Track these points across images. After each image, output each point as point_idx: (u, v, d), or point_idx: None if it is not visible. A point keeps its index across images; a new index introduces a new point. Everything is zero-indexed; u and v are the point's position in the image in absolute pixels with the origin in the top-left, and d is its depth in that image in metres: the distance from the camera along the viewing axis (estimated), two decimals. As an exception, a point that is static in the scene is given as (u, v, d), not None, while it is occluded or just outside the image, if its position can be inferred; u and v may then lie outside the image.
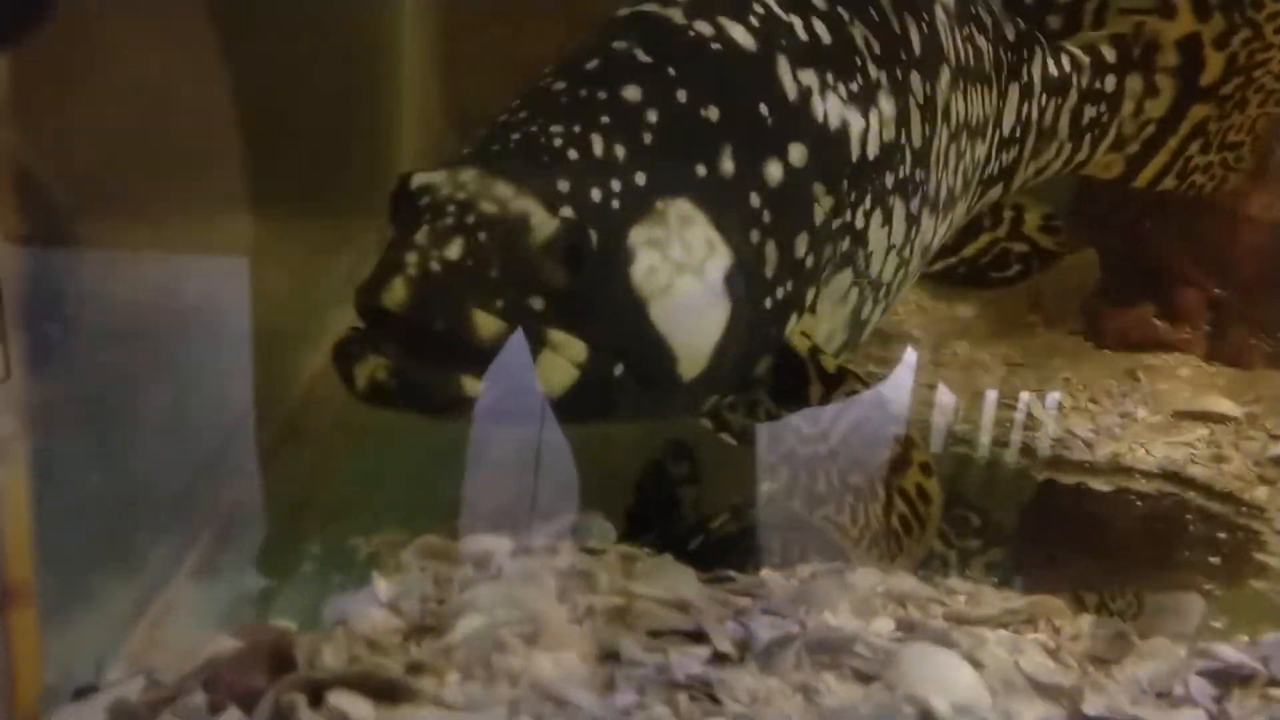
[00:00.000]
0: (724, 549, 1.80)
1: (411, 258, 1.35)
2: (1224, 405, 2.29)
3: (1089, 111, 2.08)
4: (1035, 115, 1.99)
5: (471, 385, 1.36)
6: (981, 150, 1.90)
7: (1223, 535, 1.90)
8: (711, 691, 1.21)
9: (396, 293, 1.34)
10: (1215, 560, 1.82)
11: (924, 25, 1.76)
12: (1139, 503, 2.03)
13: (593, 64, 1.52)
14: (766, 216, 1.54)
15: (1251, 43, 2.15)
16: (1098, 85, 2.08)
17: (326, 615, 1.23)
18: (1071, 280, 2.88)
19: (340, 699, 1.04)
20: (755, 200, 1.53)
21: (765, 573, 1.55)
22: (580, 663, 1.27)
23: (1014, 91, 1.93)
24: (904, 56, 1.73)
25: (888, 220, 1.72)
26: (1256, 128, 2.24)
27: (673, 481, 1.98)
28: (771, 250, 1.56)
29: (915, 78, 1.74)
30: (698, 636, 1.35)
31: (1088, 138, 2.12)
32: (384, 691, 1.06)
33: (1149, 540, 1.94)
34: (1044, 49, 1.99)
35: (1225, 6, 2.12)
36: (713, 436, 1.75)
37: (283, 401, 1.96)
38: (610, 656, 1.29)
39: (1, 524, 0.70)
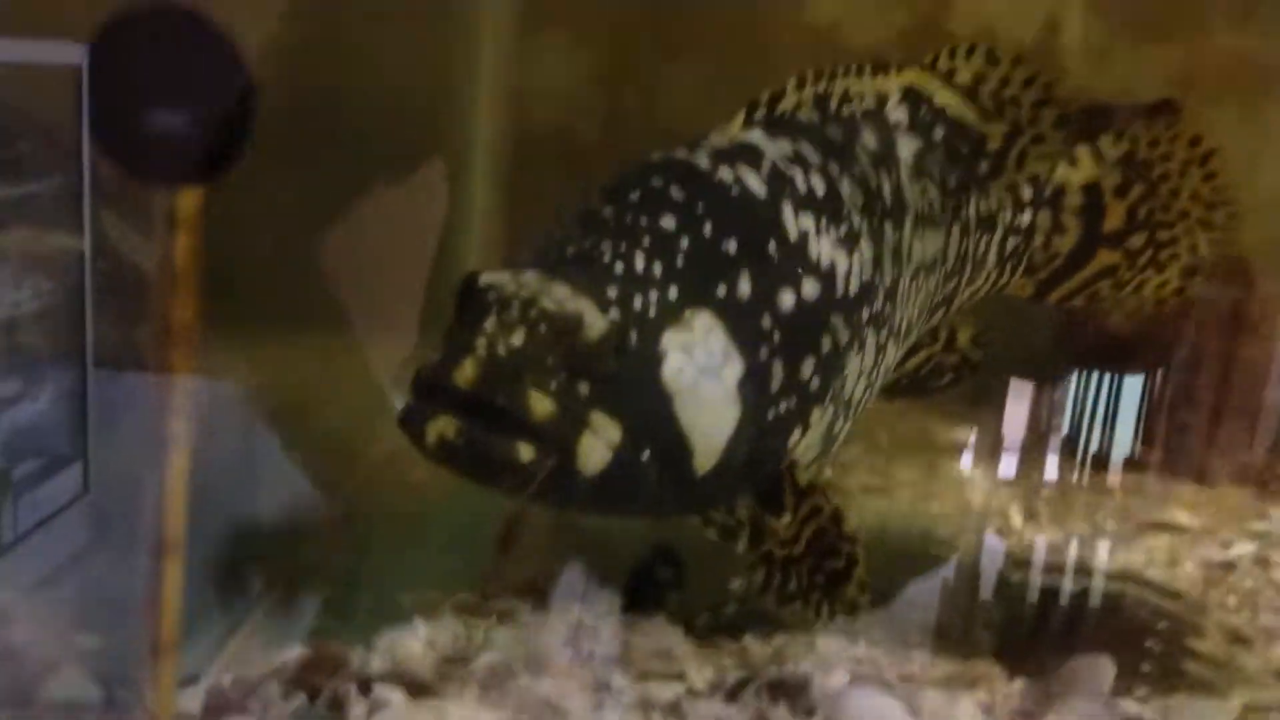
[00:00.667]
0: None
1: (481, 342, 1.56)
2: (1181, 517, 2.53)
3: (1010, 243, 2.32)
4: (971, 249, 2.23)
5: (526, 452, 1.54)
6: (932, 284, 2.15)
7: (1164, 624, 2.13)
8: (680, 713, 1.49)
9: (466, 371, 1.53)
10: (1153, 645, 2.06)
11: (892, 179, 2.03)
12: (1098, 598, 2.27)
13: (635, 195, 1.77)
14: (776, 337, 1.75)
15: (1148, 199, 2.39)
16: (1016, 220, 2.33)
17: (375, 643, 1.53)
18: (1059, 408, 3.16)
19: (381, 689, 1.34)
20: (767, 322, 1.75)
21: (746, 639, 1.83)
22: (577, 689, 1.56)
23: (956, 231, 2.18)
24: (878, 208, 1.99)
25: (861, 349, 1.94)
26: (1182, 294, 2.41)
27: (659, 585, 2.14)
28: (779, 368, 1.75)
29: (887, 226, 2.00)
30: (680, 677, 1.64)
31: (1009, 265, 2.35)
32: (415, 687, 1.36)
33: (1101, 627, 2.18)
34: (977, 191, 2.24)
35: (1123, 160, 2.37)
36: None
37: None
38: (604, 687, 1.58)
39: (167, 485, 0.96)
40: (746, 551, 1.88)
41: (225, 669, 1.44)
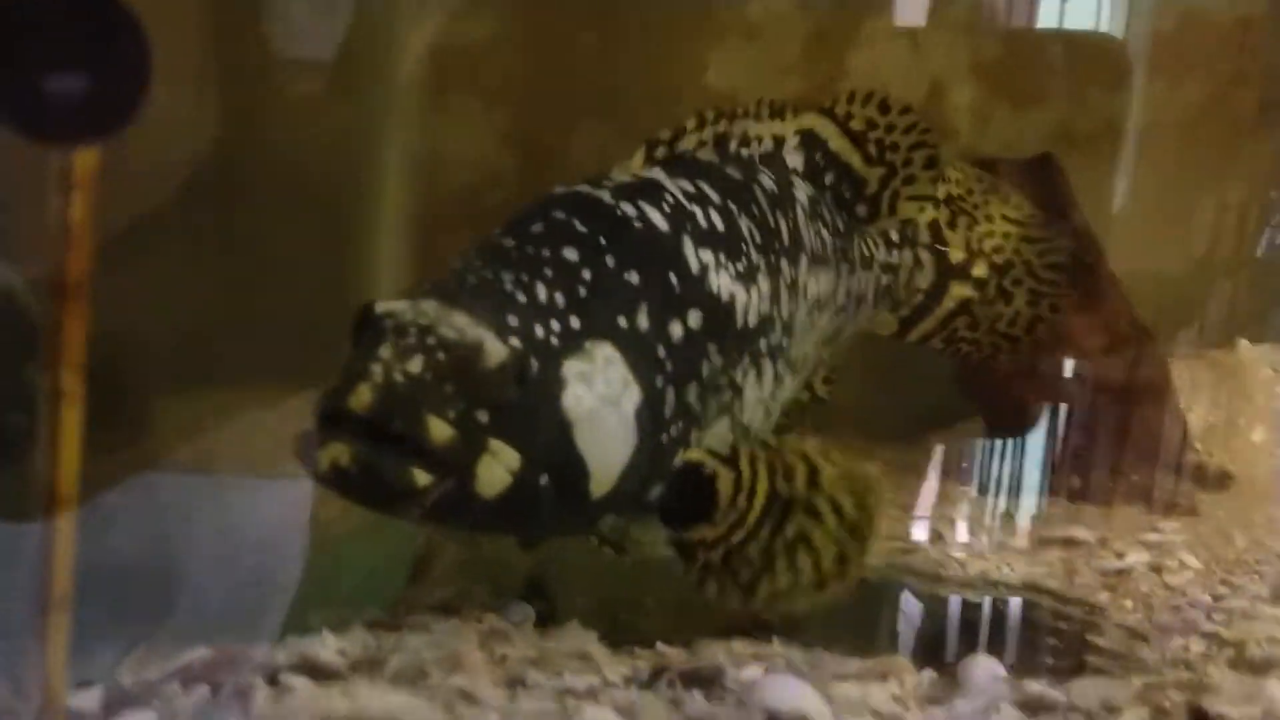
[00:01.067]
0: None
1: (377, 369, 1.56)
2: (1079, 532, 2.63)
3: (884, 280, 2.46)
4: (855, 287, 2.37)
5: (422, 478, 1.56)
6: (824, 319, 2.27)
7: (1064, 626, 2.21)
8: (595, 699, 1.50)
9: (362, 396, 1.53)
10: (1055, 643, 2.13)
11: (789, 220, 2.16)
12: (1002, 607, 2.34)
13: (537, 227, 1.83)
14: (669, 366, 1.84)
15: (975, 227, 2.56)
16: (887, 259, 2.47)
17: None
18: (962, 443, 3.27)
19: (288, 677, 1.33)
20: (661, 351, 1.83)
21: (659, 645, 1.85)
22: (492, 685, 1.56)
23: (844, 270, 2.31)
24: (776, 245, 2.11)
25: (760, 377, 2.04)
26: (1035, 330, 2.59)
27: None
28: (670, 394, 1.84)
29: (784, 263, 2.12)
30: (596, 673, 1.65)
31: (882, 302, 2.50)
32: (323, 673, 1.35)
33: (1004, 631, 2.25)
34: (858, 233, 2.39)
35: (946, 200, 2.54)
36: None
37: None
38: (518, 682, 1.58)
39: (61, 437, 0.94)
40: (684, 574, 1.89)
41: (125, 672, 1.41)
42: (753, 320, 2.00)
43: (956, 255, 2.53)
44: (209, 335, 2.93)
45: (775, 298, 2.08)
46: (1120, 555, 2.53)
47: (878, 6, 3.38)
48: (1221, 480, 2.86)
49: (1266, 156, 3.36)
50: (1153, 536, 2.63)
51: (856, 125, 2.32)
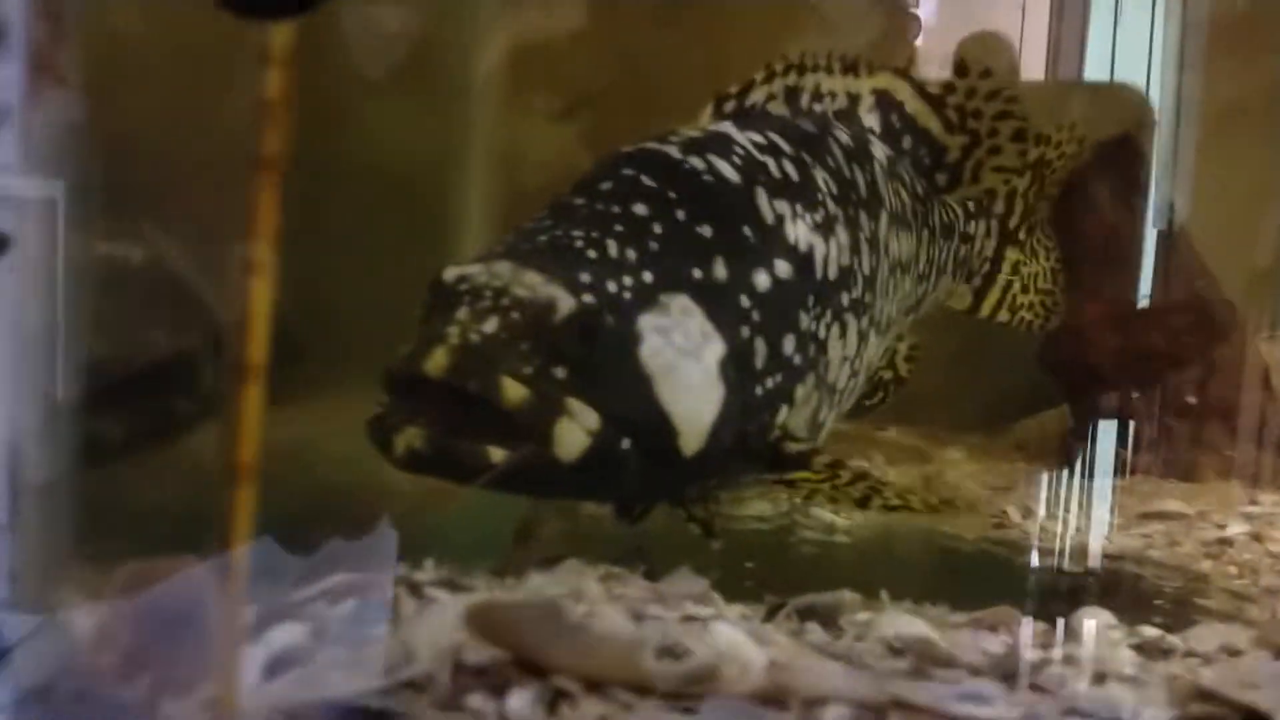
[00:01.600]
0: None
1: (453, 331, 1.54)
2: (1177, 506, 2.61)
3: (961, 251, 2.43)
4: (936, 255, 2.34)
5: (497, 454, 1.52)
6: (908, 284, 2.23)
7: (1169, 589, 2.19)
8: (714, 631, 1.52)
9: (438, 359, 1.51)
10: (1163, 603, 2.12)
11: (868, 175, 2.11)
12: (1102, 573, 2.33)
13: (606, 185, 1.81)
14: (756, 316, 1.79)
15: (1031, 187, 2.55)
16: (967, 229, 2.44)
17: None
18: (1049, 427, 3.26)
19: (431, 590, 1.36)
20: (745, 302, 1.79)
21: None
22: (611, 612, 1.58)
23: (925, 235, 2.27)
24: (854, 197, 2.06)
25: (843, 334, 1.99)
26: (1057, 280, 2.63)
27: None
28: (761, 345, 1.80)
29: (863, 216, 2.07)
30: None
31: (959, 273, 2.47)
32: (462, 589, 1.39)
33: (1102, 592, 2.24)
34: (938, 201, 2.35)
35: (1036, 165, 2.53)
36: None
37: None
38: (639, 616, 1.60)
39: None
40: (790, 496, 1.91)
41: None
42: (833, 272, 1.96)
43: (1014, 222, 2.53)
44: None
45: (855, 250, 2.03)
46: (1221, 526, 2.51)
47: None
48: (1319, 455, 2.84)
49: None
50: (1252, 509, 2.61)
51: (932, 89, 2.28)
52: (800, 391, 1.90)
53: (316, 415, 2.71)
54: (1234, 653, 1.67)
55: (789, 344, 1.85)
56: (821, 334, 1.95)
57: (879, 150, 2.19)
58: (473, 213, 3.51)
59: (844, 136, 2.11)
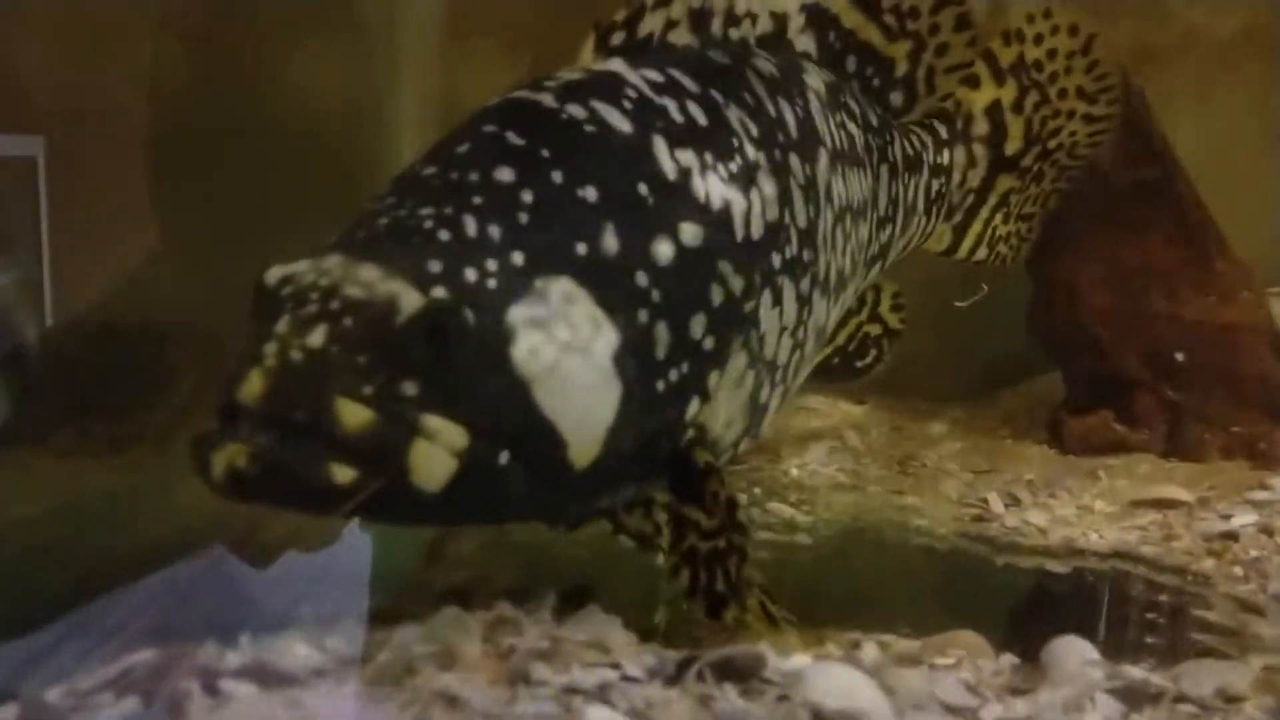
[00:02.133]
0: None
1: (270, 348, 1.28)
2: (1176, 492, 2.33)
3: (935, 186, 2.15)
4: (901, 193, 2.04)
5: (342, 473, 1.25)
6: (865, 231, 1.93)
7: (1164, 599, 1.93)
8: (604, 698, 1.27)
9: (252, 385, 1.25)
10: (1156, 618, 1.86)
11: (799, 110, 1.79)
12: (1089, 577, 2.07)
13: (463, 148, 1.48)
14: (656, 295, 1.50)
15: (1041, 107, 2.25)
16: (939, 160, 2.15)
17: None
18: (1038, 397, 2.98)
19: (231, 683, 1.11)
20: (643, 279, 1.49)
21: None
22: (488, 684, 1.33)
23: (884, 172, 1.97)
24: (781, 139, 1.74)
25: (778, 301, 1.69)
26: (1048, 202, 2.35)
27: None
28: (663, 330, 1.49)
29: (794, 159, 1.74)
30: (614, 666, 1.42)
31: (934, 210, 2.18)
32: (276, 679, 1.13)
33: (1090, 605, 1.97)
34: (899, 130, 2.06)
35: (1014, 69, 2.21)
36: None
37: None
38: (520, 678, 1.35)
39: None
40: (668, 556, 1.60)
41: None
42: (757, 230, 1.64)
43: (1014, 146, 2.22)
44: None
45: (786, 200, 1.71)
46: (1225, 517, 2.23)
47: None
48: (1337, 429, 2.55)
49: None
50: (1261, 494, 2.32)
51: None
52: (714, 379, 1.59)
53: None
54: (1231, 699, 1.41)
55: (697, 325, 1.54)
56: (749, 305, 1.64)
57: (814, 79, 1.86)
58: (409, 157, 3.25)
59: (767, 66, 1.78)
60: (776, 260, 1.68)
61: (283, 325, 1.28)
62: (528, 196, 1.44)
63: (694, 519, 1.57)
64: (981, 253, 2.29)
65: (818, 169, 1.78)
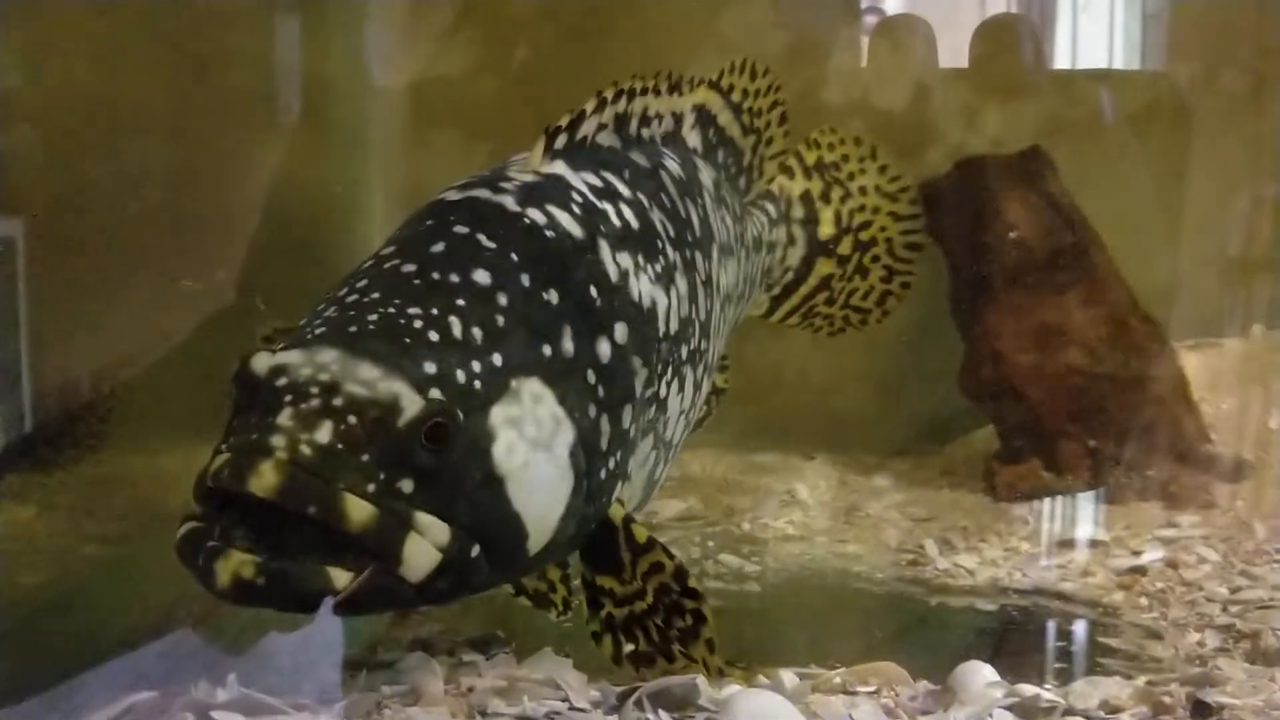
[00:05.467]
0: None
1: (279, 441, 1.31)
2: (1094, 531, 2.53)
3: (767, 260, 2.33)
4: (750, 271, 2.21)
5: (340, 578, 1.33)
6: (730, 313, 2.10)
7: (1075, 629, 2.11)
8: (557, 725, 1.43)
9: (266, 477, 1.29)
10: (1066, 645, 2.04)
11: (699, 209, 1.95)
12: (1011, 612, 2.24)
13: (439, 247, 1.55)
14: (600, 392, 1.59)
15: (846, 200, 2.44)
16: (769, 237, 2.34)
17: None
18: (975, 449, 3.18)
19: (222, 715, 1.27)
20: (591, 377, 1.58)
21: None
22: (449, 716, 1.49)
23: (742, 256, 2.15)
24: (689, 238, 1.89)
25: (681, 388, 1.83)
26: (885, 302, 2.49)
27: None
28: (605, 423, 1.59)
29: (699, 257, 1.90)
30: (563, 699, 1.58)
31: (762, 282, 2.35)
32: (263, 709, 1.29)
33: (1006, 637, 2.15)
34: (748, 214, 2.24)
35: (817, 167, 2.43)
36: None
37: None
38: (479, 711, 1.52)
39: None
40: (588, 623, 1.72)
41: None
42: (674, 326, 1.78)
43: (826, 231, 2.42)
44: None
45: (693, 298, 1.86)
46: (1136, 553, 2.43)
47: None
48: (1239, 470, 2.75)
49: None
50: (1169, 532, 2.53)
51: (735, 96, 2.18)
52: (633, 462, 1.73)
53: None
54: (1114, 709, 1.58)
55: (627, 415, 1.66)
56: (662, 392, 1.78)
57: (705, 176, 2.04)
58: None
59: (674, 167, 1.94)
60: (684, 351, 1.84)
61: (286, 418, 1.33)
62: (502, 299, 1.53)
63: (608, 587, 1.69)
64: (793, 320, 2.45)
65: (712, 264, 1.96)
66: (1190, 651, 1.94)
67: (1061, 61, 3.37)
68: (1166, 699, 1.55)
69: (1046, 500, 2.79)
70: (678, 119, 2.01)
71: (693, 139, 2.05)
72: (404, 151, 3.40)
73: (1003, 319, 2.97)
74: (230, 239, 3.14)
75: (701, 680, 1.58)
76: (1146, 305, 2.95)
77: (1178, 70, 3.26)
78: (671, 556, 1.68)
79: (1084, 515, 2.70)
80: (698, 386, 1.91)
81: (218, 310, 3.01)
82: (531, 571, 1.71)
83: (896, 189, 2.51)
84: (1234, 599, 2.14)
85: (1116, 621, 2.14)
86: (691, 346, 1.85)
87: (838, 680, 1.72)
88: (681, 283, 1.83)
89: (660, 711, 1.51)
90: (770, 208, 2.34)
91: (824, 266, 2.44)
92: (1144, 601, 2.20)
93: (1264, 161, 3.23)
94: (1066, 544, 2.53)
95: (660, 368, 1.76)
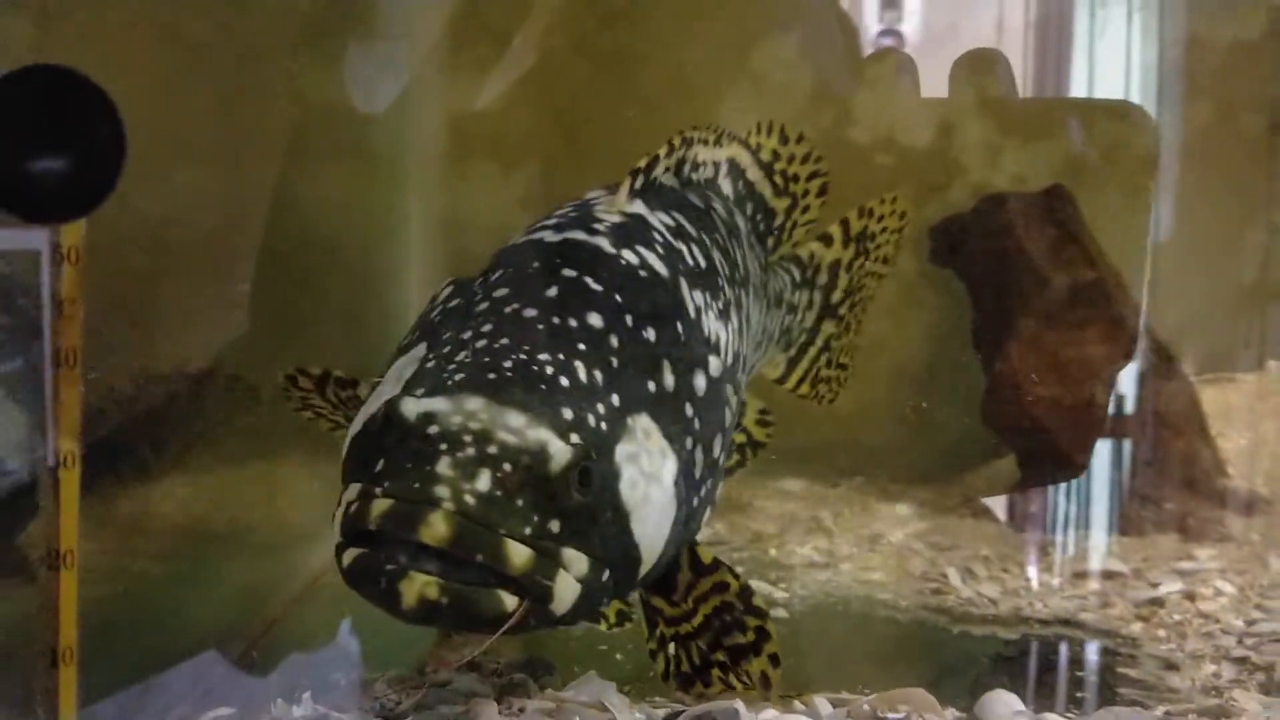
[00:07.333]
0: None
1: (444, 491, 1.41)
2: (1113, 564, 2.60)
3: (786, 320, 2.37)
4: (770, 325, 2.28)
5: (510, 601, 1.43)
6: (755, 356, 2.19)
7: (1096, 659, 2.18)
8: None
9: (437, 528, 1.39)
10: (1087, 675, 2.11)
11: (739, 250, 2.05)
12: (1033, 641, 2.32)
13: (553, 291, 1.65)
14: (696, 424, 1.68)
15: (862, 268, 2.48)
16: (791, 298, 2.38)
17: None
18: (997, 479, 3.25)
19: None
20: (689, 410, 1.69)
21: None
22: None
23: (764, 306, 2.21)
24: (737, 278, 2.00)
25: (730, 416, 1.89)
26: (853, 355, 2.54)
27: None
28: (700, 453, 1.69)
29: (741, 294, 2.01)
30: (611, 720, 1.67)
31: (781, 341, 2.39)
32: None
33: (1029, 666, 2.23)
34: (771, 269, 2.31)
35: (859, 237, 2.46)
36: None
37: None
38: (532, 731, 1.61)
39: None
40: (646, 640, 1.82)
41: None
42: (729, 360, 1.89)
43: (837, 296, 2.47)
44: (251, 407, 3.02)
45: (741, 333, 1.98)
46: (1154, 585, 2.50)
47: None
48: (1255, 504, 2.82)
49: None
50: (1186, 565, 2.60)
51: (764, 156, 2.25)
52: (719, 492, 1.82)
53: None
54: (1130, 738, 1.67)
55: (717, 445, 1.76)
56: (734, 424, 1.88)
57: (740, 221, 2.15)
58: (414, 283, 3.52)
59: (721, 209, 2.06)
60: (731, 386, 1.89)
61: (446, 467, 1.43)
62: (614, 341, 1.63)
63: (660, 607, 1.81)
64: (804, 389, 2.49)
65: (748, 303, 2.06)
66: (1206, 682, 2.01)
67: (1078, 88, 3.47)
68: (1184, 730, 1.63)
69: (1067, 531, 2.87)
70: (715, 168, 2.11)
71: (725, 188, 2.15)
72: (442, 180, 3.49)
73: (1023, 353, 3.05)
74: (277, 262, 3.23)
75: (741, 705, 1.67)
76: (1165, 340, 3.04)
77: (1195, 102, 3.35)
78: (736, 576, 1.80)
79: (1103, 547, 2.78)
80: (735, 420, 1.96)
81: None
82: (631, 591, 1.77)
83: (895, 255, 2.54)
84: (1249, 631, 2.21)
85: (1135, 652, 2.21)
86: (737, 378, 1.94)
87: (867, 707, 1.80)
88: (735, 319, 1.94)
89: (703, 727, 1.59)
90: (795, 271, 2.41)
91: (828, 328, 2.49)
92: (1162, 633, 2.28)
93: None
94: (1087, 575, 2.61)
95: (736, 399, 1.86)
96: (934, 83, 3.38)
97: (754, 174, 2.22)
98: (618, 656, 2.11)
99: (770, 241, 2.28)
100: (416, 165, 3.50)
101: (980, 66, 3.32)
